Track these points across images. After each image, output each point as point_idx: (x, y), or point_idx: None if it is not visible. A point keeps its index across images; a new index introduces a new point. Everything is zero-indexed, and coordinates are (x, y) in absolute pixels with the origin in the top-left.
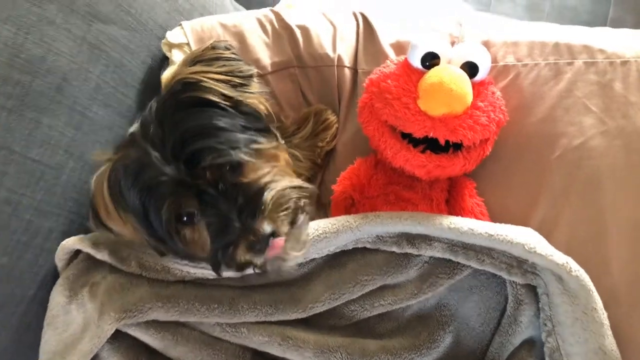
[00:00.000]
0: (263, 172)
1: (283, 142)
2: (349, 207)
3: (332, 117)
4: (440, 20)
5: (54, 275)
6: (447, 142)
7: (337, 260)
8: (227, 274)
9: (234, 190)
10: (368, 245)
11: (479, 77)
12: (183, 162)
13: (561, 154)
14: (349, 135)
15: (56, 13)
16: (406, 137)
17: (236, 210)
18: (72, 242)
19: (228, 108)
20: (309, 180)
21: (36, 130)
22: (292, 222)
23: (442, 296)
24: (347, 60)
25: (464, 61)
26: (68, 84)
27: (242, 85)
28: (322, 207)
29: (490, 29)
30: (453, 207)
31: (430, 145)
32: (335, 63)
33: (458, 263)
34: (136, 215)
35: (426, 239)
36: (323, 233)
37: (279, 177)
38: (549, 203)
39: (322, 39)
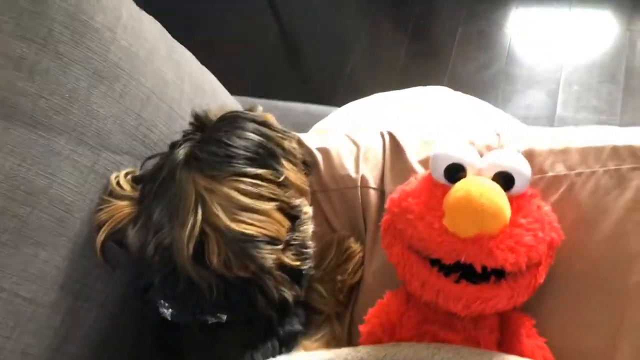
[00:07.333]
0: None
1: None
2: None
3: (355, 246)
4: (477, 131)
5: None
6: (485, 268)
7: None
8: None
9: None
10: None
11: (516, 189)
12: None
13: None
14: (379, 264)
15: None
16: (435, 263)
17: None
18: None
19: None
20: (337, 316)
21: (30, 265)
22: None
23: None
24: (372, 181)
25: (495, 171)
26: (71, 216)
27: None
28: None
29: (533, 137)
30: (507, 351)
31: (466, 273)
32: (359, 184)
33: None
34: None
35: None
36: None
37: None
38: (635, 344)
39: (344, 160)
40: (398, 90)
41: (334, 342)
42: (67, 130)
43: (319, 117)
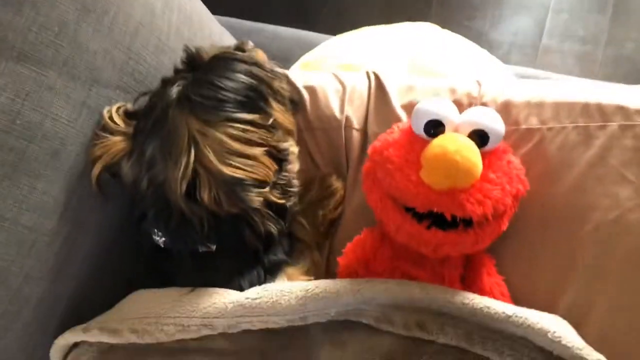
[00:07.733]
0: None
1: None
2: None
3: (337, 184)
4: (458, 79)
5: (45, 348)
6: (455, 217)
7: (338, 336)
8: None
9: None
10: (372, 323)
11: (489, 146)
12: None
13: (594, 229)
14: (358, 202)
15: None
16: (410, 210)
17: None
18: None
19: None
20: (317, 246)
21: (30, 196)
22: None
23: None
24: (356, 122)
25: (472, 129)
26: (65, 150)
27: None
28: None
29: (512, 88)
30: (469, 286)
31: (437, 220)
32: (343, 124)
33: (475, 356)
34: None
35: (438, 323)
36: (323, 292)
37: None
38: (580, 285)
39: (330, 100)
40: (387, 25)
41: (313, 269)
42: (57, 64)
43: (306, 45)
